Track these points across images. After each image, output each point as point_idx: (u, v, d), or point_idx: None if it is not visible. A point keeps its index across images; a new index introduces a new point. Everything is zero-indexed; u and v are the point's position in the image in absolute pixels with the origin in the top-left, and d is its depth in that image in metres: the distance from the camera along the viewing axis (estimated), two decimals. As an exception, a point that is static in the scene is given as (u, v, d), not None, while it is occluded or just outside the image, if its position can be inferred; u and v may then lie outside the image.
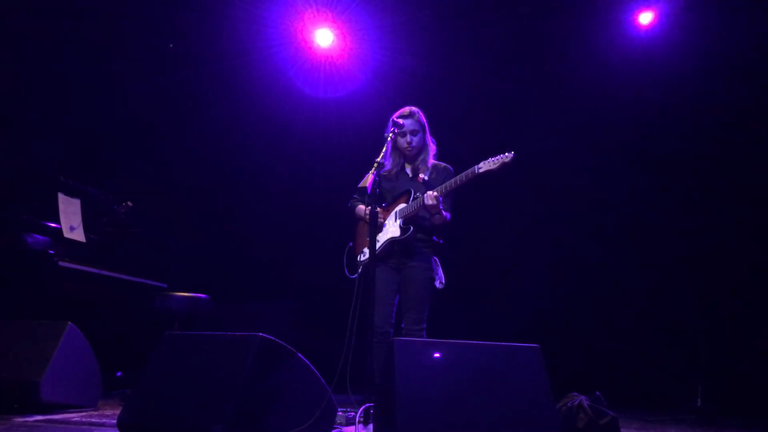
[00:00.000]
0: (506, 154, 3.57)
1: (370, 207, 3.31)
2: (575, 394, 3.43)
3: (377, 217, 3.40)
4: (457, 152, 4.30)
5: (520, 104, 6.20)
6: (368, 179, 3.24)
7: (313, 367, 2.96)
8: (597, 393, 3.44)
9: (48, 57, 5.69)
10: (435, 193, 3.67)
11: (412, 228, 3.80)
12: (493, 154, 3.60)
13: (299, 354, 2.91)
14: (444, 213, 3.79)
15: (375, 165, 3.39)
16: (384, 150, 3.63)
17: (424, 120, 4.04)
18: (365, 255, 3.93)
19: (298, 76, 6.41)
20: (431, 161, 4.06)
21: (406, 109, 4.03)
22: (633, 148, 5.91)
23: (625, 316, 5.76)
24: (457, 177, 3.71)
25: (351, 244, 4.13)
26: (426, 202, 3.68)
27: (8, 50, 5.42)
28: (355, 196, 4.23)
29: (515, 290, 6.04)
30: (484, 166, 3.60)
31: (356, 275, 3.91)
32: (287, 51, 6.28)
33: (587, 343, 5.72)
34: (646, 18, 5.80)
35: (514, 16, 5.90)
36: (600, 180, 6.01)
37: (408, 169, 4.10)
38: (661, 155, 5.84)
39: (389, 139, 3.73)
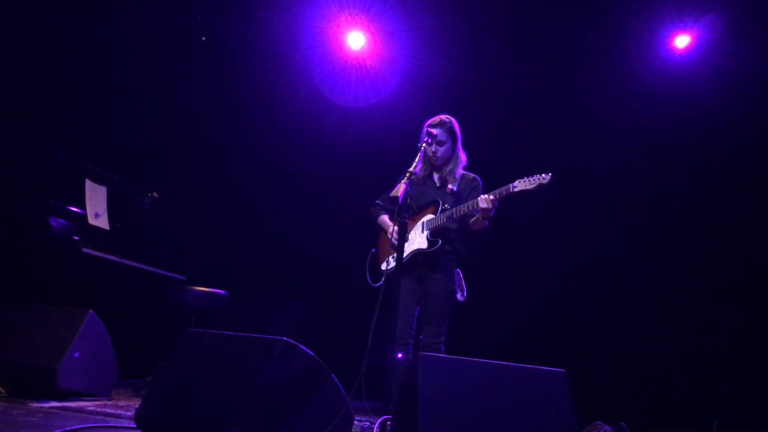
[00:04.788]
0: (543, 175, 3.49)
1: (396, 220, 3.27)
2: (599, 423, 3.38)
3: (406, 229, 3.37)
4: (489, 158, 4.26)
5: (552, 112, 6.15)
6: (400, 188, 3.21)
7: (333, 375, 2.94)
8: (622, 423, 3.38)
9: (84, 52, 5.72)
10: (491, 197, 3.58)
11: (440, 241, 3.76)
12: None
13: (321, 361, 2.89)
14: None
15: (407, 174, 3.36)
16: (417, 159, 3.59)
17: (456, 129, 3.98)
18: (389, 264, 3.90)
19: (331, 78, 6.41)
20: (460, 171, 4.00)
21: (437, 118, 3.98)
22: (670, 167, 5.82)
23: (653, 343, 5.64)
24: (492, 193, 3.63)
25: (374, 250, 4.10)
26: (480, 205, 3.59)
27: (41, 42, 5.46)
28: (377, 202, 4.19)
29: (541, 312, 5.97)
30: (520, 185, 3.53)
31: (379, 284, 3.89)
32: (321, 53, 6.29)
33: (613, 370, 5.62)
34: (682, 41, 5.76)
35: (550, 31, 5.88)
36: (629, 198, 5.93)
37: (435, 177, 4.05)
38: (700, 175, 5.73)
39: (422, 148, 3.69)
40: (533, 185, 3.49)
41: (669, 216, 5.84)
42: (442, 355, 3.59)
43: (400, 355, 3.70)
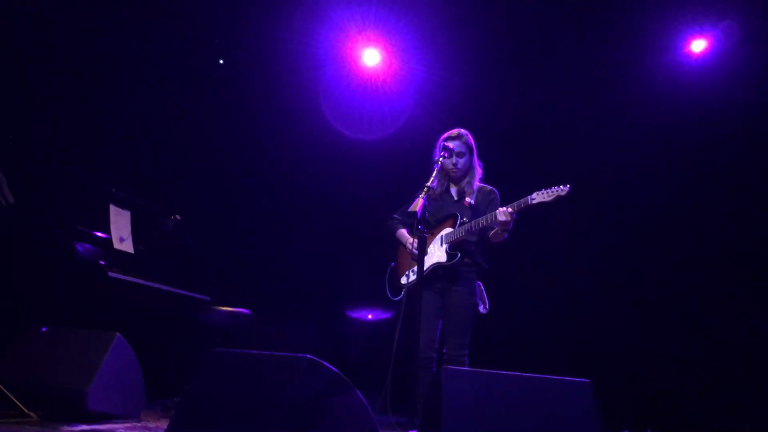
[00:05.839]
0: (561, 187, 3.48)
1: (416, 233, 3.28)
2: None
3: (425, 243, 3.38)
4: (507, 169, 4.26)
5: (569, 121, 6.14)
6: (418, 203, 3.23)
7: (358, 392, 2.95)
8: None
9: (105, 76, 5.84)
10: (510, 209, 3.58)
11: (459, 254, 3.77)
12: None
13: (345, 377, 2.90)
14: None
15: (425, 189, 3.39)
16: (433, 174, 3.62)
17: (472, 142, 4.00)
18: (408, 278, 3.91)
19: (347, 94, 6.48)
20: (477, 184, 4.02)
21: (454, 131, 4.00)
22: (687, 172, 5.78)
23: (681, 351, 5.55)
24: (510, 205, 3.63)
25: (393, 264, 4.11)
26: (499, 218, 3.58)
27: (64, 68, 5.58)
28: (395, 216, 4.21)
29: (564, 322, 5.91)
30: (538, 197, 3.53)
31: (399, 298, 3.90)
32: (337, 70, 6.36)
33: (639, 378, 5.54)
34: (698, 46, 5.74)
35: (563, 38, 5.89)
36: (650, 205, 5.88)
37: (453, 191, 4.07)
38: (719, 180, 5.67)
39: (439, 162, 3.71)
40: (551, 197, 3.49)
41: (688, 223, 5.77)
42: (466, 368, 3.58)
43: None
